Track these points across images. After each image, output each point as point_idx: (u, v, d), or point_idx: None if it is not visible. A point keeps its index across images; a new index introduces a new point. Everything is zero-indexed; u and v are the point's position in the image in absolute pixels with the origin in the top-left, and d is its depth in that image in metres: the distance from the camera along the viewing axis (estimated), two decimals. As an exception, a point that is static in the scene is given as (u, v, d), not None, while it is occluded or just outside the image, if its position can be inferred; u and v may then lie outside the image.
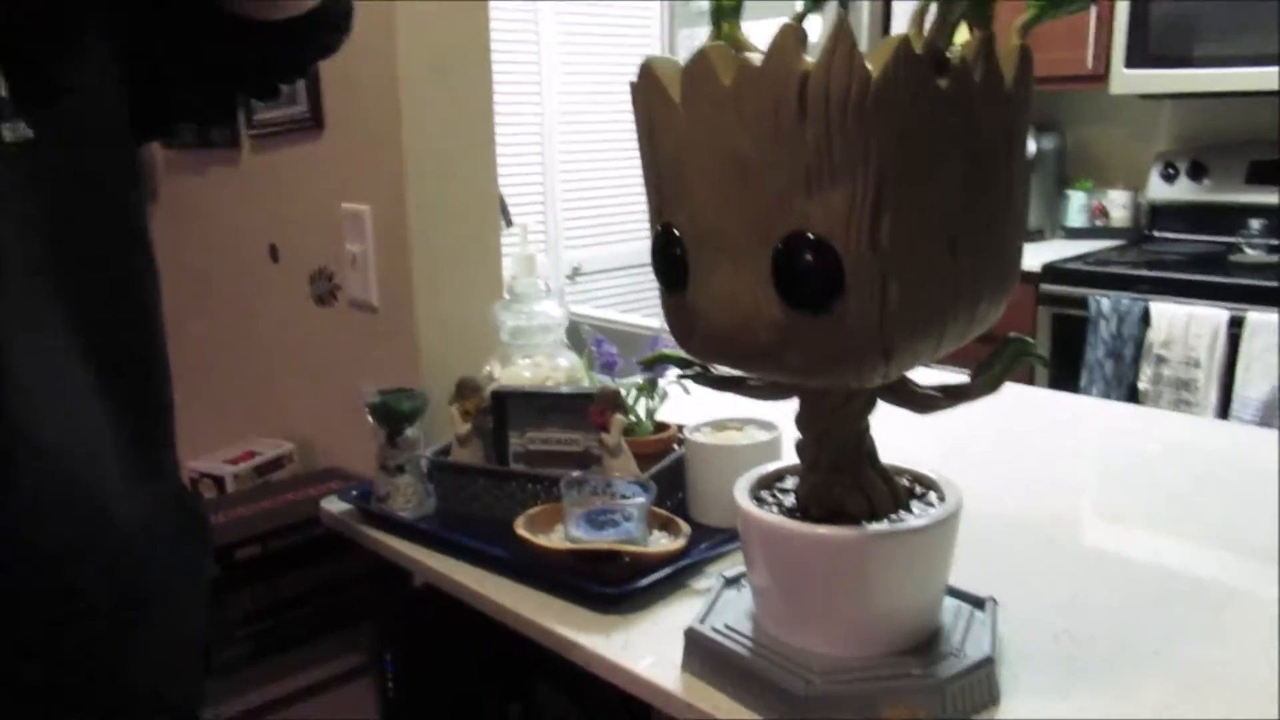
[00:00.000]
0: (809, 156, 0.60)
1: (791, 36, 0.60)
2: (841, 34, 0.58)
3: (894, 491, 0.74)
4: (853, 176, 0.59)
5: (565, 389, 1.14)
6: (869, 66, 0.58)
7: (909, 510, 0.74)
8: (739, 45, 0.69)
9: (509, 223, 1.63)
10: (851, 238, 0.60)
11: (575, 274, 3.45)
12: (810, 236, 0.61)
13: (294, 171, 1.48)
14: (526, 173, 3.27)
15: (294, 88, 1.47)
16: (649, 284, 3.65)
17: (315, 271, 1.44)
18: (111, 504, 0.63)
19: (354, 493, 1.15)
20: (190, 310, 1.73)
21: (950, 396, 0.71)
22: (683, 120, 0.66)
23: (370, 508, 1.11)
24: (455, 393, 1.11)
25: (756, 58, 0.62)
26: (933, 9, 0.62)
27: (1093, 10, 2.80)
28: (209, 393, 1.74)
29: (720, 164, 0.65)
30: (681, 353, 0.77)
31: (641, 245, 3.60)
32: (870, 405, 0.73)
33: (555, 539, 0.94)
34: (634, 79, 0.70)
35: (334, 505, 1.17)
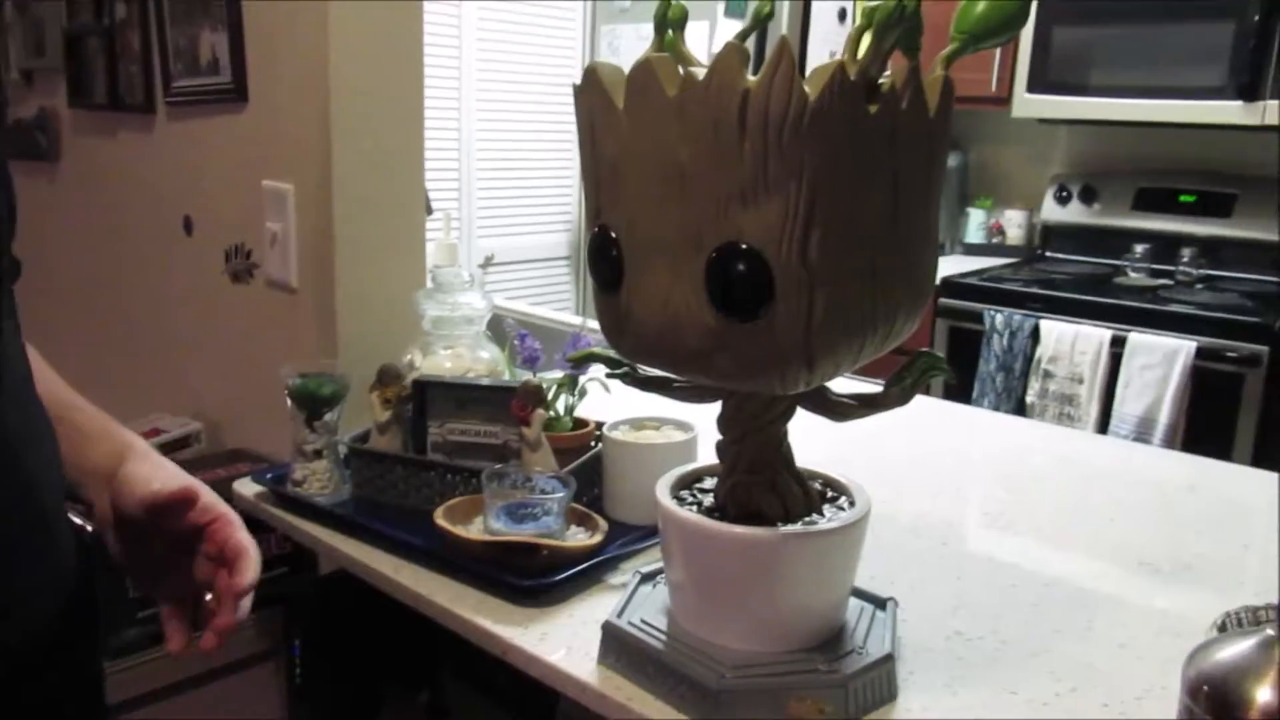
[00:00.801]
0: (746, 170, 0.63)
1: (735, 55, 0.63)
2: (783, 56, 0.61)
3: (808, 495, 0.78)
4: (786, 192, 0.62)
5: (488, 381, 1.14)
6: (806, 89, 0.61)
7: (821, 513, 0.77)
8: (681, 57, 0.72)
9: (430, 210, 1.62)
10: (782, 250, 0.63)
11: (487, 263, 3.44)
12: (743, 246, 0.64)
13: (213, 143, 1.45)
14: (443, 160, 3.24)
15: (217, 55, 1.44)
16: (560, 277, 3.66)
17: (232, 248, 1.41)
18: None
19: (268, 475, 1.14)
20: (97, 278, 1.67)
21: (865, 406, 0.75)
22: (625, 126, 0.68)
23: (284, 491, 1.10)
24: (376, 379, 1.11)
25: (699, 71, 0.65)
26: (866, 37, 0.66)
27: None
28: (115, 366, 1.69)
29: (660, 172, 0.67)
30: (610, 352, 0.79)
31: (555, 238, 3.61)
32: (790, 412, 0.76)
33: (474, 530, 0.95)
34: (578, 81, 0.72)
35: (246, 488, 1.15)
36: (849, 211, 0.64)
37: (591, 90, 0.70)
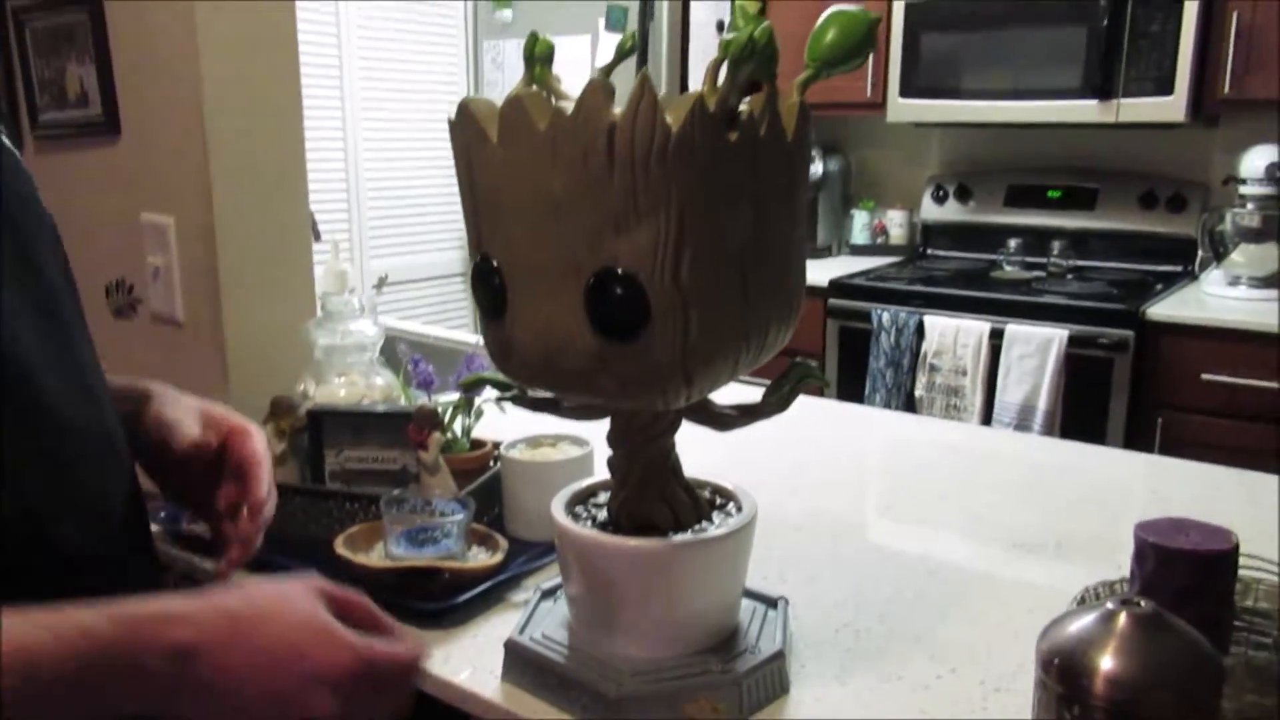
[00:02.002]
0: (617, 199, 0.66)
1: (600, 90, 0.66)
2: (645, 90, 0.64)
3: (697, 503, 0.81)
4: (656, 218, 0.66)
5: (383, 407, 1.15)
6: (669, 120, 0.64)
7: (710, 520, 0.81)
8: (551, 90, 0.74)
9: (318, 236, 1.61)
10: (656, 273, 0.66)
11: (381, 284, 3.40)
12: (619, 271, 0.67)
13: (87, 177, 1.41)
14: (331, 181, 3.20)
15: (86, 88, 1.41)
16: (455, 295, 3.65)
17: (112, 283, 1.39)
18: None
19: (162, 515, 1.12)
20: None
21: (745, 415, 0.79)
22: (499, 159, 0.71)
23: (180, 530, 1.09)
24: (270, 411, 1.10)
25: (568, 105, 0.68)
26: (724, 68, 0.69)
27: (873, 42, 3.03)
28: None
29: (535, 202, 0.69)
30: (499, 375, 0.81)
31: (447, 256, 3.60)
32: (675, 424, 0.79)
33: (375, 557, 0.96)
34: (452, 116, 0.74)
35: (137, 530, 1.13)
36: (716, 233, 0.68)
37: (466, 125, 0.72)
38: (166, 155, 1.29)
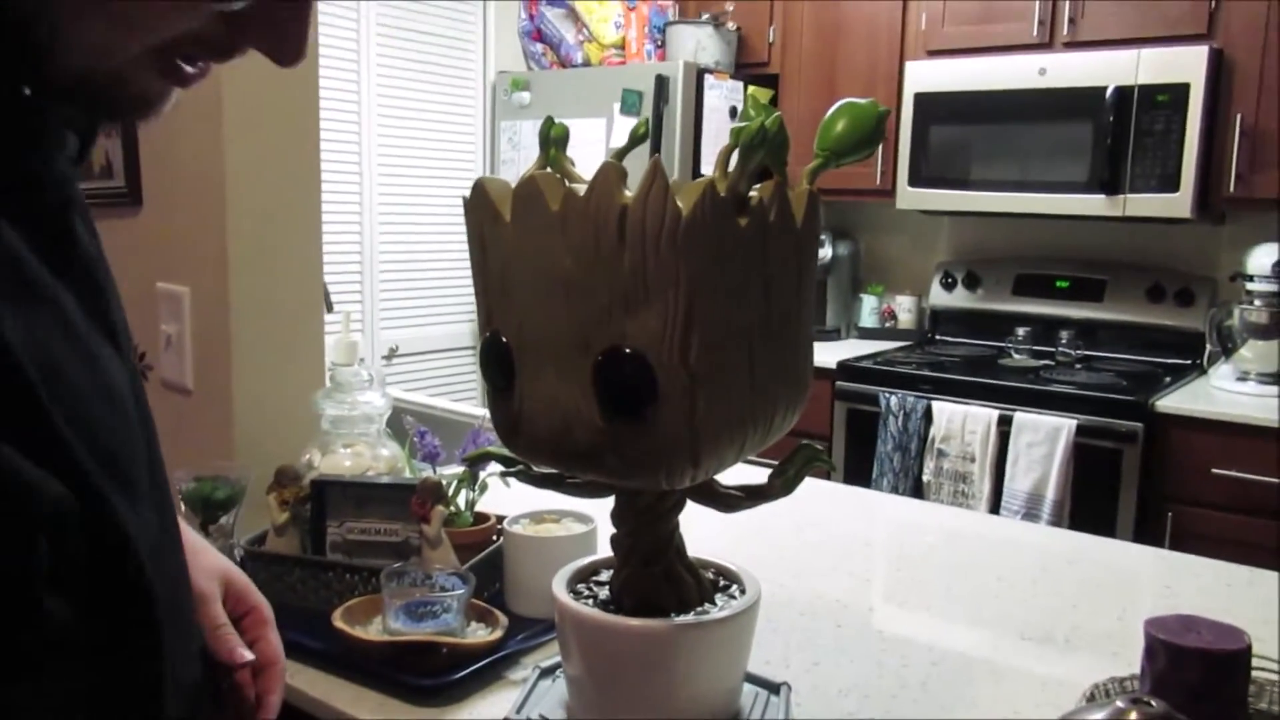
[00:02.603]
0: (626, 279, 0.67)
1: (613, 173, 0.67)
2: (656, 174, 0.66)
3: (700, 584, 0.80)
4: (665, 299, 0.66)
5: (386, 479, 1.15)
6: (680, 204, 0.66)
7: (713, 602, 0.80)
8: (564, 172, 0.76)
9: (330, 308, 1.63)
10: (664, 353, 0.67)
11: (392, 354, 3.43)
12: (627, 350, 0.68)
13: (106, 246, 1.43)
14: (345, 251, 3.25)
15: (111, 160, 1.45)
16: (464, 367, 3.66)
17: (123, 352, 1.40)
18: None
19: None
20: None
21: (751, 497, 0.79)
22: (512, 237, 0.72)
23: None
24: (274, 481, 1.10)
25: (581, 187, 0.69)
26: (735, 155, 0.71)
27: (883, 131, 3.09)
28: None
29: (546, 280, 0.70)
30: (505, 450, 0.81)
31: (457, 329, 3.62)
32: (680, 505, 0.79)
33: (373, 631, 0.95)
34: (467, 195, 0.75)
35: (135, 597, 1.12)
36: (725, 316, 0.69)
37: (480, 203, 0.74)
38: (185, 227, 1.31)
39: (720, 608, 0.79)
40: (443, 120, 3.49)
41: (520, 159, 3.45)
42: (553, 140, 0.76)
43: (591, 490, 0.81)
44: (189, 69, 0.51)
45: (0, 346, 0.43)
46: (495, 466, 1.07)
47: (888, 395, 2.80)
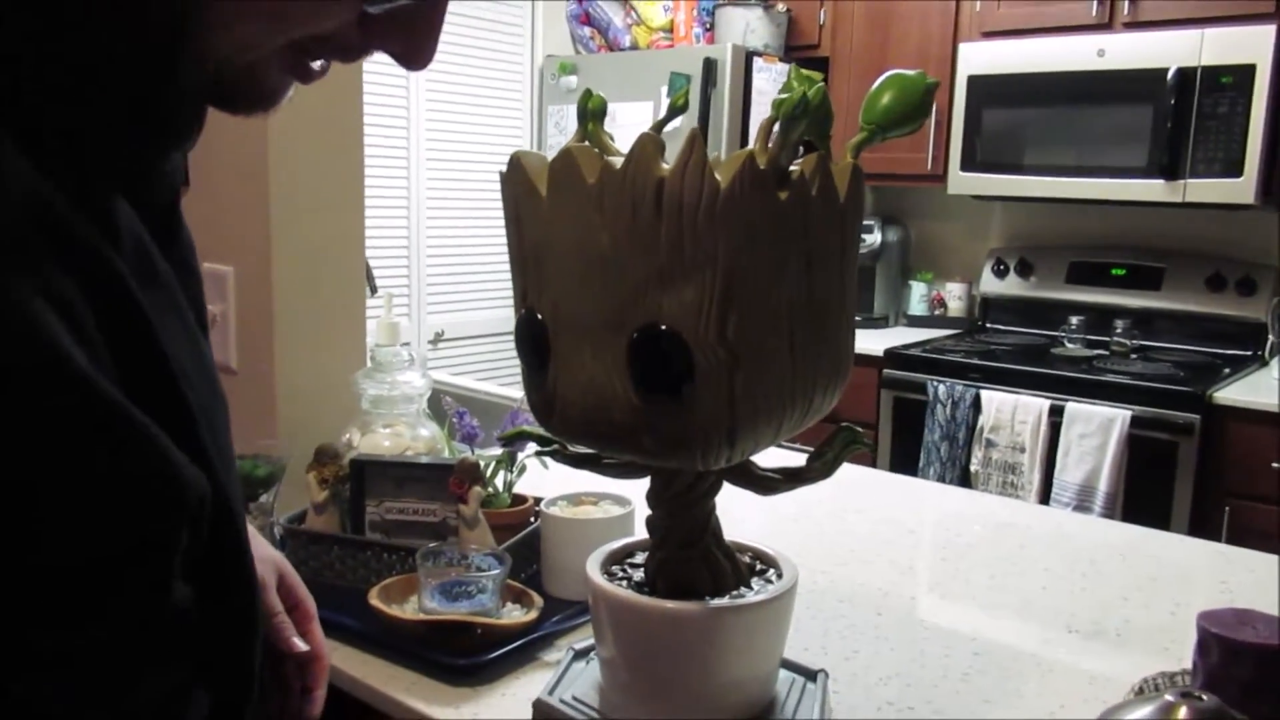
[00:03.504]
0: (663, 254, 0.65)
1: (650, 144, 0.66)
2: (694, 145, 0.64)
3: (736, 568, 0.79)
4: (702, 274, 0.65)
5: (425, 459, 1.15)
6: (718, 177, 0.64)
7: (749, 586, 0.78)
8: (602, 146, 0.75)
9: (374, 290, 1.63)
10: (701, 330, 0.65)
11: (438, 339, 3.44)
12: (663, 327, 0.66)
13: (153, 228, 1.45)
14: (393, 236, 3.27)
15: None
16: (508, 352, 3.67)
17: (169, 331, 1.41)
18: None
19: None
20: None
21: (789, 480, 0.77)
22: (547, 212, 0.71)
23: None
24: (313, 459, 1.11)
25: (618, 160, 0.68)
26: (776, 128, 0.69)
27: (933, 116, 3.04)
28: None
29: (582, 256, 0.69)
30: (541, 430, 0.80)
31: (502, 314, 3.63)
32: (717, 486, 0.77)
33: (408, 610, 0.95)
34: (503, 169, 0.74)
35: (177, 572, 1.14)
36: (764, 293, 0.67)
37: (516, 178, 0.73)
38: (229, 207, 1.32)
39: (756, 592, 0.77)
40: (491, 105, 3.49)
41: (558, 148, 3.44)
42: (591, 113, 0.74)
43: (627, 471, 0.80)
44: (314, 66, 0.52)
45: (152, 338, 0.45)
46: (533, 447, 1.06)
47: (936, 384, 2.75)
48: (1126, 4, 2.71)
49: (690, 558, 0.77)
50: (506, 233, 0.77)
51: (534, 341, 0.74)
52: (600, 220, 0.67)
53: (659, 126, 0.71)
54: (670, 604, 0.75)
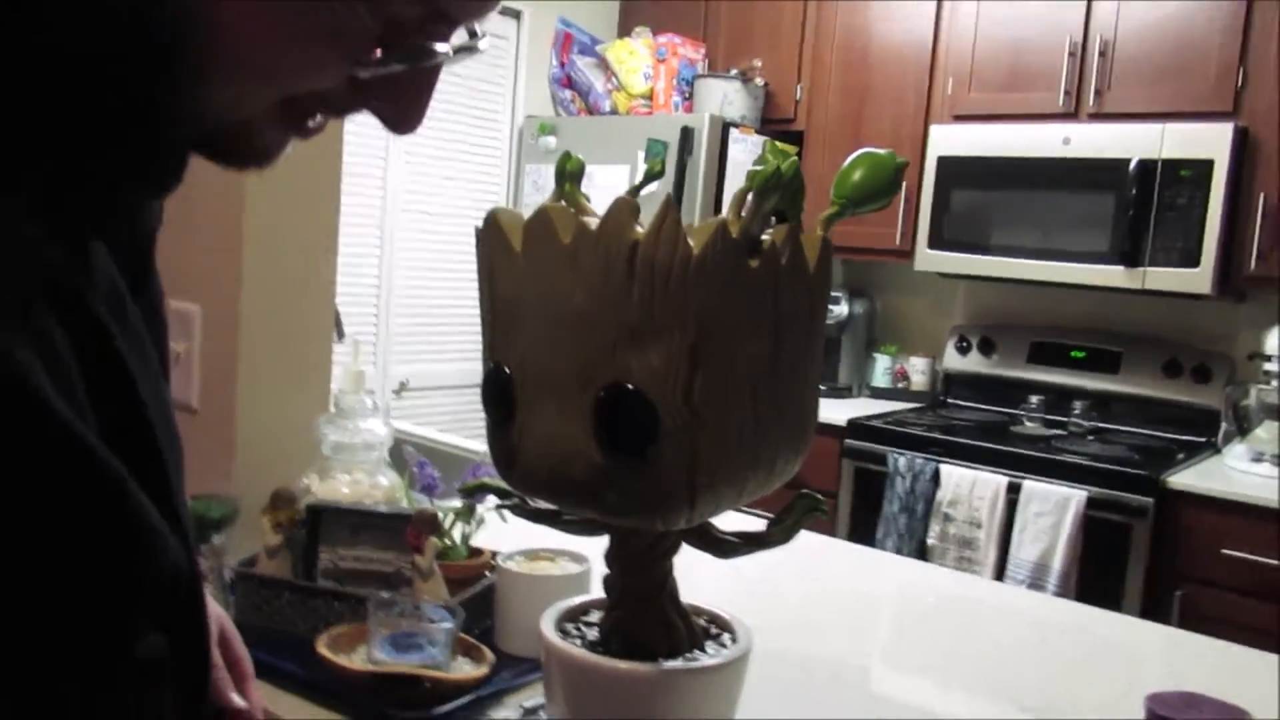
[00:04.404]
0: (634, 314, 0.66)
1: (625, 208, 0.67)
2: (668, 210, 0.65)
3: (691, 630, 0.79)
4: (671, 336, 0.66)
5: (382, 508, 1.14)
6: (690, 242, 0.65)
7: (704, 649, 0.78)
8: (578, 206, 0.76)
9: (341, 336, 1.63)
10: (667, 391, 0.66)
11: (402, 389, 3.42)
12: (630, 387, 0.67)
13: (122, 263, 1.44)
14: (364, 284, 3.27)
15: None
16: (472, 404, 3.66)
17: (131, 367, 1.40)
18: None
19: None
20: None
21: (748, 544, 0.77)
22: (521, 268, 0.72)
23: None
24: (269, 503, 1.09)
25: (593, 221, 0.69)
26: (750, 198, 0.71)
27: (903, 194, 3.11)
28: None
29: (553, 313, 0.70)
30: (502, 482, 0.80)
31: (467, 366, 3.62)
32: (675, 548, 0.78)
33: (357, 660, 0.94)
34: (479, 225, 0.75)
35: (122, 613, 1.11)
36: (731, 357, 0.68)
37: (491, 234, 0.74)
38: (202, 245, 1.32)
39: (711, 655, 0.77)
40: (469, 160, 3.52)
41: (543, 201, 3.48)
42: (568, 174, 0.76)
43: (587, 528, 0.80)
44: (310, 123, 0.53)
45: (137, 402, 0.45)
46: (493, 500, 1.06)
47: (896, 456, 2.77)
48: (1093, 96, 2.80)
49: (645, 618, 0.77)
50: (479, 287, 0.77)
51: (500, 395, 0.74)
52: (573, 279, 0.68)
53: (635, 190, 0.72)
54: (623, 664, 0.74)
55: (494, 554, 1.13)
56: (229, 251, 1.27)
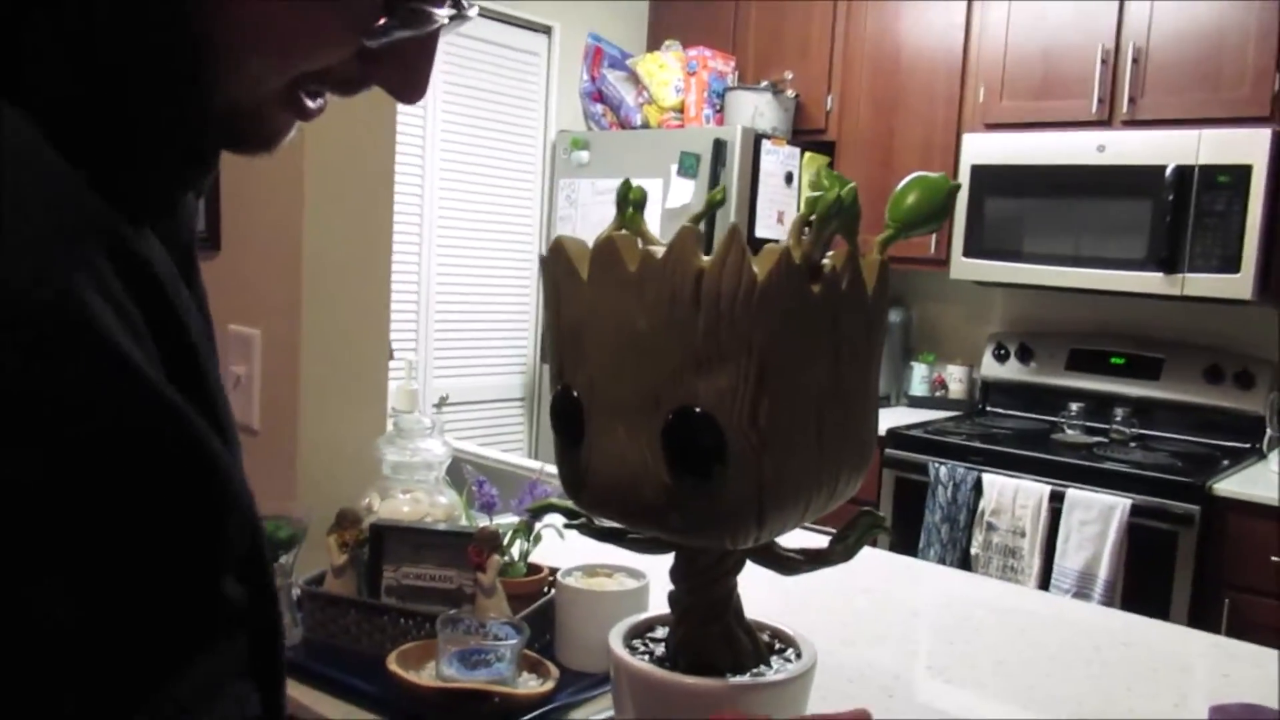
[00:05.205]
0: (700, 341, 0.69)
1: (690, 237, 0.69)
2: (734, 241, 0.68)
3: (756, 646, 0.81)
4: (738, 362, 0.68)
5: (444, 527, 1.17)
6: (755, 270, 0.67)
7: (769, 664, 0.80)
8: (641, 235, 0.78)
9: (391, 355, 1.66)
10: (734, 414, 0.68)
11: (442, 403, 3.46)
12: (697, 410, 0.69)
13: (182, 289, 1.49)
14: (403, 301, 3.31)
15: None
16: (512, 417, 3.69)
17: (193, 390, 1.44)
18: None
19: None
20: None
21: (811, 561, 0.79)
22: (587, 295, 0.74)
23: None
24: (335, 523, 1.12)
25: (658, 250, 0.71)
26: (810, 224, 0.73)
27: (938, 201, 3.11)
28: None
29: (619, 338, 0.72)
30: (568, 502, 0.82)
31: (508, 380, 3.66)
32: (740, 565, 0.80)
33: (426, 676, 0.96)
34: (544, 253, 0.78)
35: (193, 631, 1.14)
36: (795, 380, 0.70)
37: (557, 261, 0.76)
38: (261, 272, 1.36)
39: (776, 670, 0.79)
40: (503, 175, 3.56)
41: (577, 216, 3.51)
42: (631, 202, 0.78)
43: (652, 546, 0.82)
44: (311, 104, 0.54)
45: (193, 350, 0.47)
46: (552, 518, 1.08)
47: (937, 465, 2.77)
48: (1126, 103, 2.80)
49: (711, 634, 0.79)
50: (546, 312, 0.80)
51: (569, 417, 0.76)
52: (639, 306, 0.71)
53: (698, 219, 0.75)
54: (690, 679, 0.76)
55: (552, 570, 1.16)
56: (289, 277, 1.30)
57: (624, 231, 0.78)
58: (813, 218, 0.72)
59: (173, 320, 0.46)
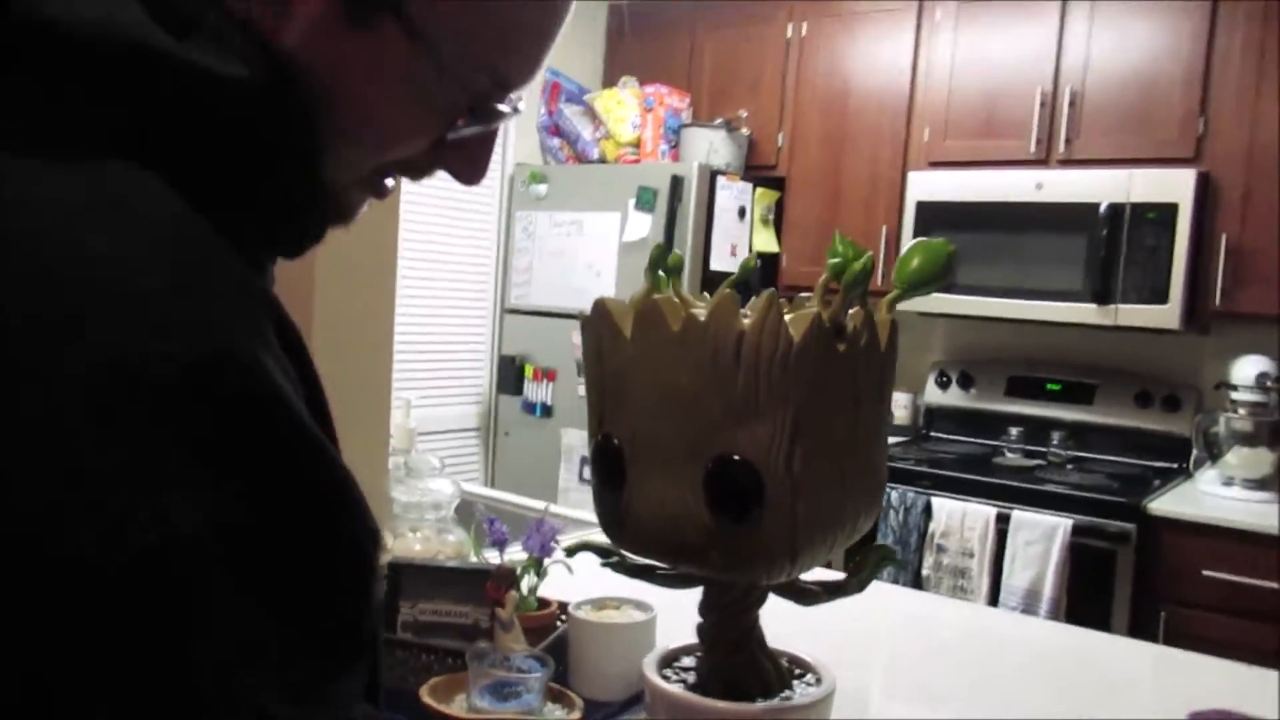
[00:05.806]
0: (739, 396, 0.76)
1: (730, 301, 0.77)
2: (772, 306, 0.75)
3: (779, 672, 0.88)
4: (775, 415, 0.75)
5: (456, 563, 1.22)
6: (791, 332, 0.75)
7: (792, 689, 0.87)
8: (680, 298, 0.85)
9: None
10: (771, 462, 0.75)
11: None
12: (737, 459, 0.76)
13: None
14: (361, 332, 3.33)
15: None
16: (467, 447, 3.72)
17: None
18: None
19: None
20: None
21: (830, 592, 0.86)
22: (630, 351, 0.81)
23: None
24: (353, 563, 1.16)
25: (700, 312, 0.78)
26: (840, 289, 0.81)
27: (882, 232, 3.24)
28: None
29: (661, 392, 0.79)
30: (602, 541, 0.89)
31: (463, 409, 3.69)
32: (764, 598, 0.87)
33: (456, 708, 1.01)
34: (586, 313, 0.84)
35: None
36: (824, 430, 0.77)
37: (600, 320, 0.83)
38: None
39: (801, 695, 0.86)
40: (460, 207, 3.61)
41: (534, 248, 3.56)
42: (668, 268, 0.85)
43: (681, 581, 0.88)
44: (388, 184, 0.60)
45: (327, 413, 0.53)
46: (556, 553, 1.14)
47: (889, 489, 2.88)
48: (1063, 144, 2.96)
49: (740, 662, 0.86)
50: (586, 365, 0.86)
51: (610, 463, 0.83)
52: (681, 363, 0.78)
53: (733, 284, 0.82)
54: (726, 704, 0.83)
55: (560, 604, 1.21)
56: (299, 312, 1.34)
57: (669, 294, 0.85)
58: (835, 280, 0.80)
59: (310, 373, 0.52)
